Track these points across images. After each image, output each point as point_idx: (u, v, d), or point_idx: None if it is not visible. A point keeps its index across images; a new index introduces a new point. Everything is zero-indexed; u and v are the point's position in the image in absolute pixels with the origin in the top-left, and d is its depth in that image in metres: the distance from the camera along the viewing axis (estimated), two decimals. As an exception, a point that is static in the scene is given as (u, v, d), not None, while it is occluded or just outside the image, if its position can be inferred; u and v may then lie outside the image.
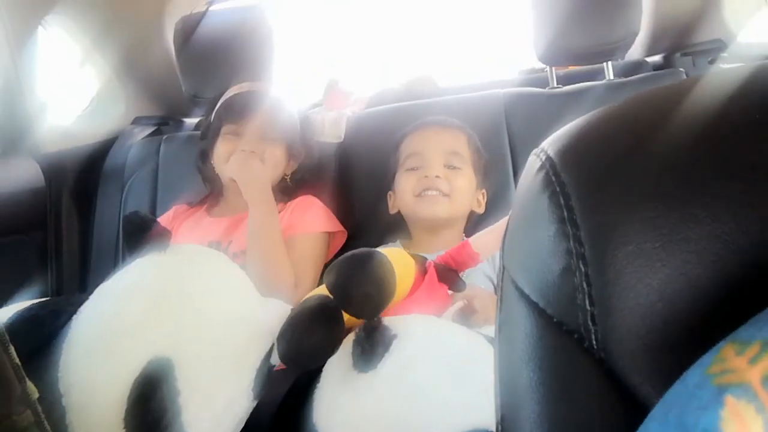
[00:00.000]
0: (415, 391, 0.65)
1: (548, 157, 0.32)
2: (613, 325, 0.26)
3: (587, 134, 0.32)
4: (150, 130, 1.76)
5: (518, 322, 0.30)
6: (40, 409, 0.44)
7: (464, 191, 1.24)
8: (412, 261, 0.87)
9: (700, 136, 0.28)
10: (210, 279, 0.83)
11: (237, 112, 1.34)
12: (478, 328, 0.84)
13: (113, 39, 1.63)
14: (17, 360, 0.44)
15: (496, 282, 1.16)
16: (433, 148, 1.26)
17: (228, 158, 1.31)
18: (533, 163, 0.34)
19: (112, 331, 0.72)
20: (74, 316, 0.76)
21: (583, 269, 0.27)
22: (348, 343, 0.72)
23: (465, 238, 1.26)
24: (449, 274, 0.92)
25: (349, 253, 0.71)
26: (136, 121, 1.76)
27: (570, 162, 0.30)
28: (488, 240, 0.94)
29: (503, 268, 0.34)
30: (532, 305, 0.29)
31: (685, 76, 1.39)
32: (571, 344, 0.27)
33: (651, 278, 0.25)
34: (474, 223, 1.30)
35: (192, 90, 1.55)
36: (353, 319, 0.73)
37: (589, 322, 0.26)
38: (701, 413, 0.20)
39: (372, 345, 0.69)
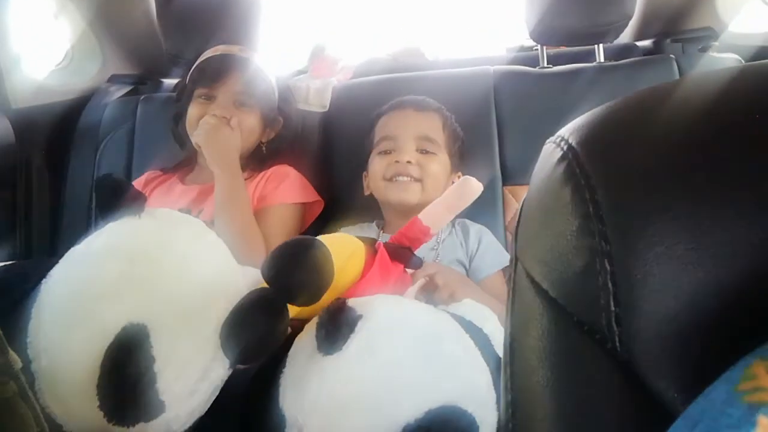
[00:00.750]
0: (381, 370, 0.64)
1: (570, 147, 0.30)
2: (638, 327, 0.25)
3: (612, 125, 0.31)
4: (126, 89, 1.70)
5: (534, 317, 0.29)
6: (23, 379, 0.42)
7: (437, 177, 1.21)
8: (360, 244, 0.85)
9: (733, 132, 0.27)
10: (186, 245, 0.81)
11: (210, 75, 1.29)
12: (444, 306, 0.84)
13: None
14: None
15: (468, 266, 1.15)
16: (406, 132, 1.23)
17: (197, 121, 1.26)
18: (552, 151, 0.32)
19: (85, 296, 0.70)
20: (44, 280, 0.73)
21: (608, 268, 0.26)
22: (312, 326, 0.71)
23: None
24: (402, 252, 0.90)
25: (283, 243, 0.69)
26: (112, 79, 1.70)
27: (595, 154, 0.29)
28: (437, 212, 0.92)
29: (516, 259, 0.32)
30: (551, 301, 0.28)
31: (675, 63, 1.38)
32: (592, 345, 0.26)
33: (682, 281, 0.24)
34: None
35: (173, 49, 1.50)
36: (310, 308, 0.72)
37: (613, 324, 0.25)
38: None
39: (336, 327, 0.68)
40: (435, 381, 0.63)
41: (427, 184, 1.19)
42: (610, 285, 0.26)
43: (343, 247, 0.80)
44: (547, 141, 0.34)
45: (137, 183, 1.38)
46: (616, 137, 0.30)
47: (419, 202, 1.19)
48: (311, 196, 1.32)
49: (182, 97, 1.36)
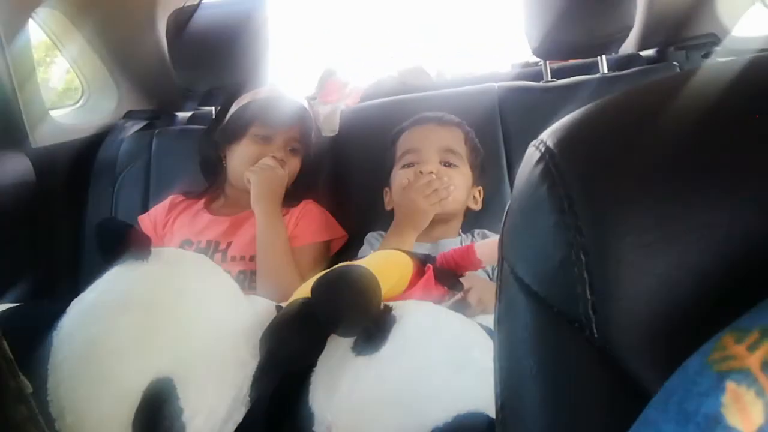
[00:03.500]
0: (413, 374, 0.65)
1: (547, 148, 0.32)
2: (613, 314, 0.26)
3: (586, 125, 0.32)
4: (142, 124, 1.75)
5: (519, 312, 0.30)
6: (34, 404, 0.43)
7: (459, 188, 1.23)
8: (410, 262, 0.86)
9: (696, 126, 0.28)
10: (198, 287, 0.81)
11: (271, 117, 1.33)
12: (473, 317, 0.84)
13: (105, 32, 1.62)
14: (9, 354, 0.43)
15: (491, 274, 1.16)
16: (429, 144, 1.25)
17: (254, 161, 1.30)
18: (532, 154, 0.33)
19: (104, 353, 0.70)
20: (54, 332, 0.72)
21: (583, 259, 0.27)
22: None
23: (461, 234, 1.26)
24: (449, 278, 0.92)
25: (338, 273, 0.68)
26: (128, 115, 1.75)
27: (570, 152, 0.30)
28: (494, 249, 0.95)
29: (502, 258, 0.34)
30: (533, 295, 0.29)
31: (678, 70, 1.39)
32: (572, 334, 0.27)
33: (651, 267, 0.25)
34: (471, 219, 1.30)
35: (185, 83, 1.54)
36: None
37: (590, 311, 0.26)
38: (702, 399, 0.20)
39: (378, 330, 0.68)
40: (464, 387, 0.64)
41: (448, 196, 1.21)
42: (585, 275, 0.27)
43: (392, 269, 0.82)
44: (530, 144, 0.35)
45: (161, 207, 1.41)
46: (590, 136, 0.31)
47: (441, 213, 1.21)
48: (337, 232, 1.35)
49: (227, 128, 1.39)
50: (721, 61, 0.33)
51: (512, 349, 0.30)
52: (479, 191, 1.31)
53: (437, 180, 1.20)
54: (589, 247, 0.27)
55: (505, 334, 0.31)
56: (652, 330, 0.25)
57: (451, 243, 1.20)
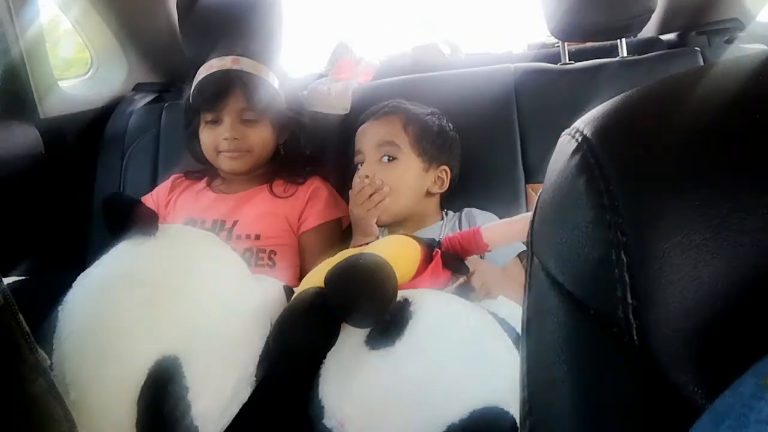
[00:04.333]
0: (429, 368, 0.64)
1: (585, 138, 0.30)
2: (657, 320, 0.24)
3: (628, 114, 0.30)
4: (151, 97, 1.73)
5: (550, 311, 0.28)
6: (51, 376, 0.43)
7: (398, 184, 1.21)
8: (417, 247, 0.85)
9: (751, 119, 0.26)
10: (205, 264, 0.80)
11: (210, 99, 1.26)
12: (478, 301, 0.83)
13: (115, 2, 1.59)
14: (27, 328, 0.43)
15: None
16: (367, 143, 1.25)
17: (214, 148, 1.27)
18: (567, 143, 0.32)
19: (110, 330, 0.70)
20: (60, 307, 0.72)
21: (624, 259, 0.25)
22: None
23: (444, 217, 1.24)
24: (455, 262, 0.91)
25: (352, 262, 0.67)
26: (137, 88, 1.73)
27: (610, 144, 0.28)
28: (501, 232, 0.93)
29: (532, 254, 0.32)
30: (567, 295, 0.28)
31: (700, 56, 1.35)
32: (609, 338, 0.25)
33: (700, 271, 0.24)
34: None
35: (195, 57, 1.51)
36: None
37: (631, 316, 0.25)
38: (762, 427, 0.18)
39: (394, 324, 0.67)
40: (480, 381, 0.63)
41: (383, 198, 1.19)
42: (626, 277, 0.25)
43: (403, 254, 0.81)
44: (563, 133, 0.33)
45: (163, 187, 1.39)
46: (631, 127, 0.29)
47: (385, 216, 1.20)
48: (346, 209, 1.33)
49: (191, 119, 1.34)
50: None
51: (542, 351, 0.28)
52: (444, 171, 1.26)
53: (369, 186, 1.19)
54: (631, 247, 0.25)
55: (533, 335, 0.30)
56: (698, 340, 0.23)
57: (434, 229, 1.20)
